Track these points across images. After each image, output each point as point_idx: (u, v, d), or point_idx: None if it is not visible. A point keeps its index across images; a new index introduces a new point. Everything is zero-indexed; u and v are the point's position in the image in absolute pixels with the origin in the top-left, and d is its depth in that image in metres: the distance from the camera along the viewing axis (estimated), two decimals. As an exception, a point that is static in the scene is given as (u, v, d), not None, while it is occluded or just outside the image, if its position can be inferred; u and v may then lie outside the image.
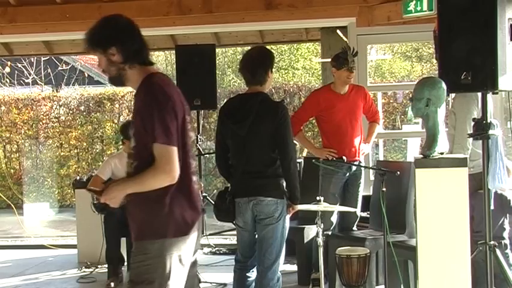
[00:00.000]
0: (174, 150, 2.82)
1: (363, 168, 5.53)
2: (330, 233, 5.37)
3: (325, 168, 5.43)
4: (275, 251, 4.17)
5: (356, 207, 5.39)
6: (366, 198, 5.68)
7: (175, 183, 2.83)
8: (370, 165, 6.20)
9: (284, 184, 4.15)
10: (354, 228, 5.58)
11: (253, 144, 4.13)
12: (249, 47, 4.93)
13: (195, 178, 3.01)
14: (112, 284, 5.93)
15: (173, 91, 2.93)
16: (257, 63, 4.21)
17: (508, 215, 4.57)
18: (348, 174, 5.47)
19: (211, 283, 5.77)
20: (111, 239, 6.11)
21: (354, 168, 5.43)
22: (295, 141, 6.71)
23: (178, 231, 2.88)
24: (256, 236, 4.24)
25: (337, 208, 4.89)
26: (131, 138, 3.01)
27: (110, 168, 6.18)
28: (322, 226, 4.37)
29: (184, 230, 2.90)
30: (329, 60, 5.79)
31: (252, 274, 4.30)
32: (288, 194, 4.16)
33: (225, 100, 6.30)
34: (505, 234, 4.55)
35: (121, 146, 6.90)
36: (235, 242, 4.48)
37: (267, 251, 4.17)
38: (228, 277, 4.49)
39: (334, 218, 5.48)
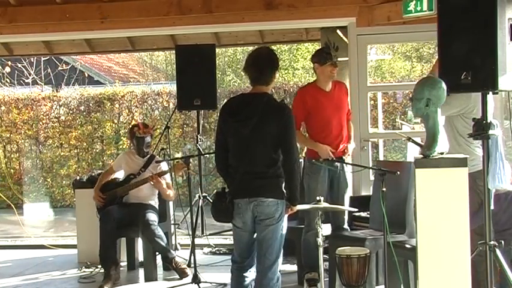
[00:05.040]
0: None
1: (345, 167, 5.49)
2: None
3: (311, 167, 5.42)
4: (275, 251, 4.17)
5: (343, 205, 5.40)
6: (366, 198, 5.68)
7: None
8: (370, 165, 6.19)
9: (283, 184, 4.15)
10: (345, 226, 5.57)
11: (256, 145, 4.12)
12: (249, 47, 4.92)
13: None
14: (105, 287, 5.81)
15: None
16: (266, 61, 4.21)
17: None
18: (331, 173, 5.45)
19: (211, 283, 5.77)
20: (106, 240, 5.99)
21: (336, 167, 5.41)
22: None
23: None
24: (255, 236, 4.23)
25: (339, 208, 4.89)
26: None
27: (120, 163, 6.44)
28: (321, 226, 4.38)
29: None
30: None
31: (250, 274, 4.29)
32: (289, 194, 4.15)
33: (225, 100, 6.26)
34: None
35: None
36: (235, 242, 4.47)
37: (267, 251, 4.17)
38: (228, 277, 4.49)
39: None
